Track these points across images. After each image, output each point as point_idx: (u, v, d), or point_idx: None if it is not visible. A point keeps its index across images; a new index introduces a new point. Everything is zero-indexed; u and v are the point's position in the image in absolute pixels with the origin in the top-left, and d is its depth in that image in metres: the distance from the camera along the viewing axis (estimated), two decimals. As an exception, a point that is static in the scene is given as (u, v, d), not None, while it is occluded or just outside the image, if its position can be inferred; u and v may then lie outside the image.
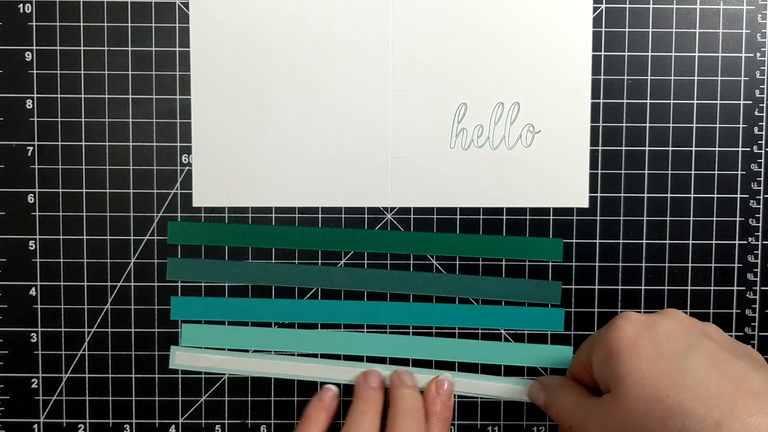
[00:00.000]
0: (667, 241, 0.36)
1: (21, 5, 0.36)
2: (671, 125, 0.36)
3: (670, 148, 0.36)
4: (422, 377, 0.36)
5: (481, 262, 0.36)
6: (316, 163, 0.36)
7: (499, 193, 0.36)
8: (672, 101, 0.36)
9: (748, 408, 0.25)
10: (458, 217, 0.36)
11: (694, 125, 0.36)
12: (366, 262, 0.36)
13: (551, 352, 0.36)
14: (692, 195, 0.36)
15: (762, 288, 0.37)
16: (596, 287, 0.36)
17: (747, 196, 0.36)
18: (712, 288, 0.37)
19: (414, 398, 0.34)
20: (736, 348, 0.29)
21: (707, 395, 0.26)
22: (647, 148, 0.36)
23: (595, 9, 0.36)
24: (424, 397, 0.35)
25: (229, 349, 0.37)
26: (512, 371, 0.37)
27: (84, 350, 0.37)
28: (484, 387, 0.36)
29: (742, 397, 0.26)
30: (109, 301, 0.36)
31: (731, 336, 0.33)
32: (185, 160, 0.36)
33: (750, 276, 0.36)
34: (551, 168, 0.36)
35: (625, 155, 0.36)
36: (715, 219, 0.36)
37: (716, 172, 0.36)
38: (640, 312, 0.31)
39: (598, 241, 0.36)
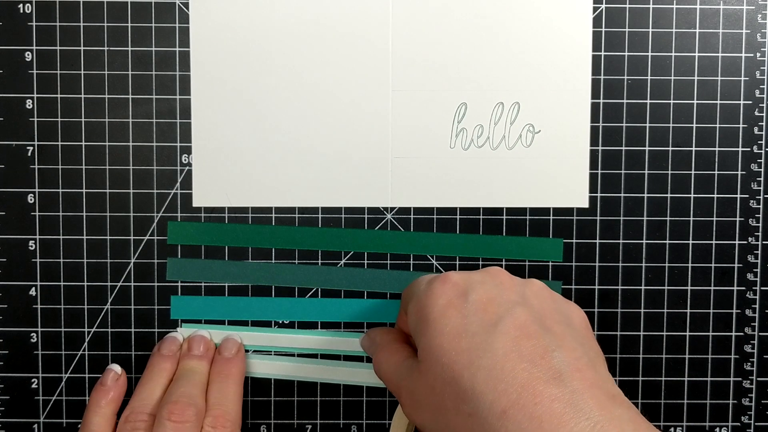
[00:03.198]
0: (667, 241, 0.36)
1: (21, 5, 0.36)
2: (671, 125, 0.36)
3: (670, 148, 0.36)
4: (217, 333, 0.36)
5: (481, 262, 0.36)
6: (316, 163, 0.36)
7: (499, 193, 0.36)
8: (672, 101, 0.36)
9: (536, 394, 0.24)
10: (458, 217, 0.36)
11: (694, 125, 0.36)
12: (366, 262, 0.36)
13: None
14: (692, 195, 0.36)
15: (762, 288, 0.37)
16: (596, 287, 0.36)
17: (747, 196, 0.36)
18: (712, 288, 0.37)
19: (193, 366, 0.34)
20: (553, 315, 0.28)
21: (500, 378, 0.25)
22: (647, 148, 0.36)
23: (595, 9, 0.36)
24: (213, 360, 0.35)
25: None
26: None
27: (84, 350, 0.37)
28: None
29: (533, 381, 0.24)
30: (109, 301, 0.36)
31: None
32: (185, 160, 0.36)
33: (750, 276, 0.36)
34: (551, 168, 0.36)
35: (625, 155, 0.36)
36: (715, 219, 0.36)
37: (716, 172, 0.36)
38: (462, 272, 0.30)
39: (598, 241, 0.36)
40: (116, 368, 0.35)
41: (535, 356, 0.25)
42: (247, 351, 0.37)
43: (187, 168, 0.36)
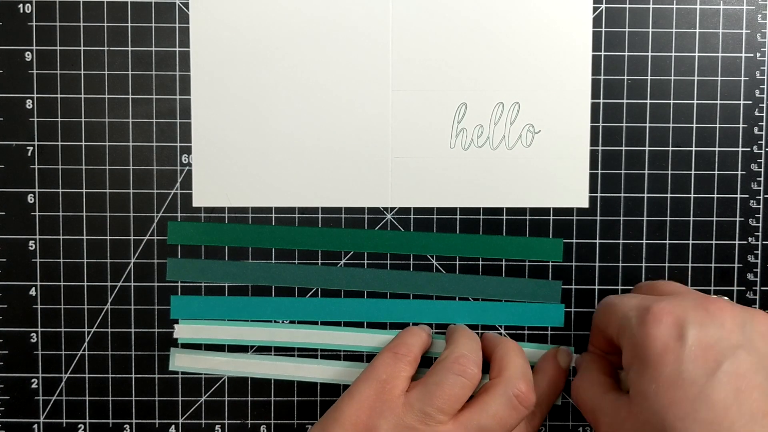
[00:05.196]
0: (667, 241, 0.36)
1: (21, 5, 0.36)
2: (671, 125, 0.36)
3: (670, 148, 0.36)
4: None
5: (481, 263, 0.36)
6: (316, 163, 0.36)
7: (499, 193, 0.36)
8: (672, 101, 0.36)
9: None
10: (458, 217, 0.36)
11: (694, 125, 0.36)
12: (366, 262, 0.36)
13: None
14: (692, 195, 0.36)
15: (762, 288, 0.37)
16: (596, 287, 0.36)
17: (747, 196, 0.36)
18: (712, 288, 0.37)
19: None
20: None
21: None
22: (647, 148, 0.36)
23: (595, 9, 0.36)
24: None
25: (228, 349, 0.37)
26: (512, 371, 0.37)
27: (84, 350, 0.37)
28: None
29: None
30: (109, 301, 0.36)
31: None
32: (185, 160, 0.36)
33: (750, 276, 0.36)
34: (551, 168, 0.36)
35: (625, 155, 0.36)
36: (715, 219, 0.36)
37: (716, 172, 0.36)
38: (677, 303, 0.28)
39: (598, 241, 0.36)
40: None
41: (758, 413, 0.24)
42: (246, 351, 0.37)
43: (187, 168, 0.36)
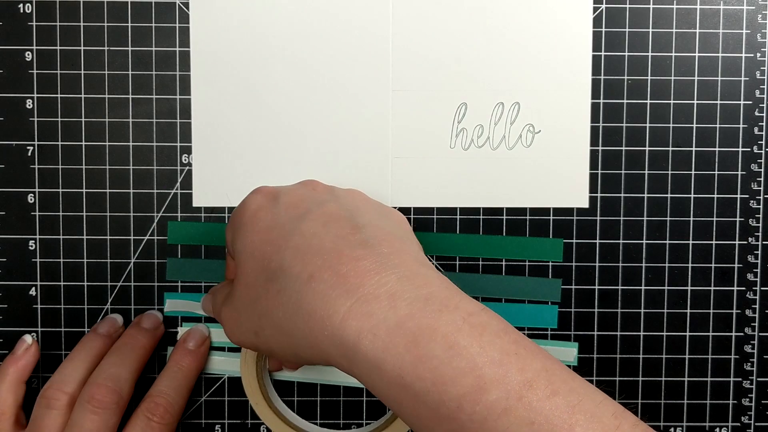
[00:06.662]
0: (667, 241, 0.36)
1: (21, 5, 0.36)
2: (671, 125, 0.36)
3: (670, 148, 0.36)
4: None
5: (481, 262, 0.36)
6: (317, 164, 0.36)
7: (499, 193, 0.36)
8: (672, 101, 0.36)
9: (341, 256, 0.24)
10: (458, 217, 0.36)
11: (694, 125, 0.36)
12: (366, 262, 0.36)
13: (552, 351, 0.36)
14: (692, 195, 0.36)
15: (762, 288, 0.37)
16: (596, 287, 0.36)
17: (747, 196, 0.36)
18: (712, 288, 0.37)
19: (131, 337, 0.34)
20: (367, 211, 0.28)
21: (306, 251, 0.25)
22: (647, 148, 0.36)
23: (595, 9, 0.36)
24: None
25: (228, 349, 0.37)
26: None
27: (84, 350, 0.37)
28: None
29: (339, 248, 0.25)
30: (109, 301, 0.36)
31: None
32: (185, 160, 0.36)
33: (750, 276, 0.36)
34: (551, 168, 0.36)
35: (625, 155, 0.36)
36: (715, 219, 0.36)
37: (716, 173, 0.36)
38: (274, 186, 0.30)
39: (598, 241, 0.36)
40: (27, 338, 0.35)
41: (344, 232, 0.26)
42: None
43: (187, 168, 0.36)
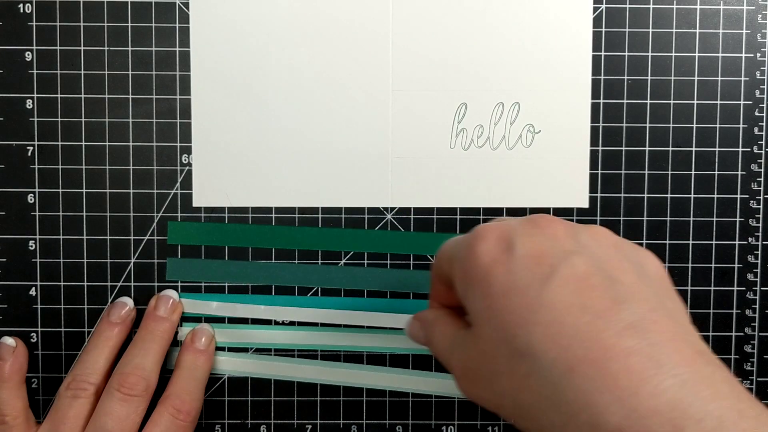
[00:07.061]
0: (667, 241, 0.36)
1: (21, 5, 0.36)
2: (671, 125, 0.36)
3: (670, 148, 0.36)
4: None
5: (481, 262, 0.36)
6: (316, 163, 0.36)
7: (499, 193, 0.36)
8: (672, 101, 0.36)
9: (607, 348, 0.21)
10: (458, 217, 0.36)
11: (694, 125, 0.36)
12: (366, 262, 0.36)
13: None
14: (692, 195, 0.36)
15: (762, 288, 0.37)
16: (596, 287, 0.36)
17: (747, 196, 0.36)
18: (712, 288, 0.37)
19: (153, 328, 0.35)
20: (620, 263, 0.23)
21: (561, 333, 0.21)
22: (647, 148, 0.36)
23: (595, 9, 0.36)
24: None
25: (229, 349, 0.37)
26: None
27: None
28: None
29: (601, 334, 0.21)
30: (109, 301, 0.36)
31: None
32: (185, 160, 0.36)
33: (750, 276, 0.36)
34: (551, 168, 0.36)
35: (625, 155, 0.36)
36: (715, 219, 0.36)
37: (716, 173, 0.36)
38: (503, 221, 0.26)
39: (598, 241, 0.36)
40: (8, 340, 0.35)
41: (602, 308, 0.21)
42: (246, 351, 0.37)
43: (187, 168, 0.36)
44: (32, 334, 0.36)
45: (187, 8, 0.36)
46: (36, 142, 0.36)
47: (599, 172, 0.36)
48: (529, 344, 0.22)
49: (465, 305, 0.25)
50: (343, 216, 0.36)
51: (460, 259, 0.25)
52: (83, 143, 0.36)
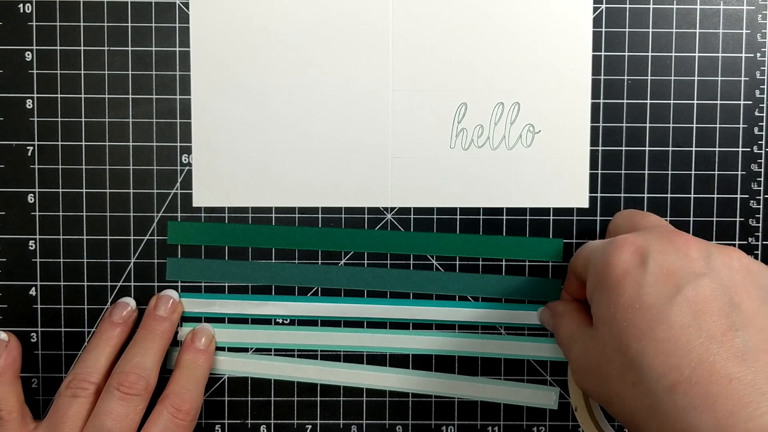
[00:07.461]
0: (667, 241, 0.36)
1: (21, 5, 0.36)
2: (671, 125, 0.36)
3: (670, 149, 0.36)
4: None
5: (481, 262, 0.36)
6: (316, 163, 0.36)
7: (499, 193, 0.36)
8: (672, 101, 0.36)
9: (712, 372, 0.22)
10: (458, 217, 0.36)
11: (694, 125, 0.36)
12: (366, 262, 0.36)
13: (553, 348, 0.36)
14: (692, 195, 0.36)
15: (762, 288, 0.36)
16: (596, 287, 0.36)
17: (747, 196, 0.36)
18: (712, 288, 0.36)
19: (154, 327, 0.35)
20: (746, 289, 0.24)
21: (672, 352, 0.23)
22: (647, 148, 0.36)
23: (595, 9, 0.36)
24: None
25: (229, 349, 0.37)
26: (512, 365, 0.37)
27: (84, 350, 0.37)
28: (488, 391, 0.36)
29: (710, 357, 0.22)
30: (109, 301, 0.36)
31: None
32: (185, 160, 0.36)
33: (750, 276, 0.36)
34: (551, 168, 0.36)
35: (625, 155, 0.36)
36: (715, 219, 0.36)
37: (716, 173, 0.36)
38: (642, 235, 0.27)
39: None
40: (2, 335, 0.35)
41: (716, 333, 0.23)
42: (246, 351, 0.37)
43: (187, 168, 0.36)
44: (32, 334, 0.36)
45: (187, 8, 0.36)
46: (36, 142, 0.36)
47: (599, 172, 0.36)
48: (642, 357, 0.23)
49: (591, 306, 0.27)
50: (343, 216, 0.36)
51: (595, 264, 0.27)
52: (83, 143, 0.36)
